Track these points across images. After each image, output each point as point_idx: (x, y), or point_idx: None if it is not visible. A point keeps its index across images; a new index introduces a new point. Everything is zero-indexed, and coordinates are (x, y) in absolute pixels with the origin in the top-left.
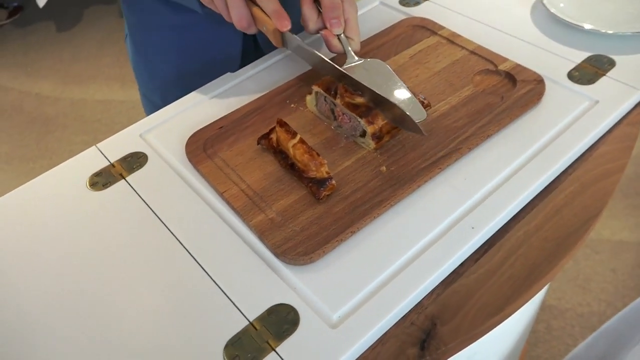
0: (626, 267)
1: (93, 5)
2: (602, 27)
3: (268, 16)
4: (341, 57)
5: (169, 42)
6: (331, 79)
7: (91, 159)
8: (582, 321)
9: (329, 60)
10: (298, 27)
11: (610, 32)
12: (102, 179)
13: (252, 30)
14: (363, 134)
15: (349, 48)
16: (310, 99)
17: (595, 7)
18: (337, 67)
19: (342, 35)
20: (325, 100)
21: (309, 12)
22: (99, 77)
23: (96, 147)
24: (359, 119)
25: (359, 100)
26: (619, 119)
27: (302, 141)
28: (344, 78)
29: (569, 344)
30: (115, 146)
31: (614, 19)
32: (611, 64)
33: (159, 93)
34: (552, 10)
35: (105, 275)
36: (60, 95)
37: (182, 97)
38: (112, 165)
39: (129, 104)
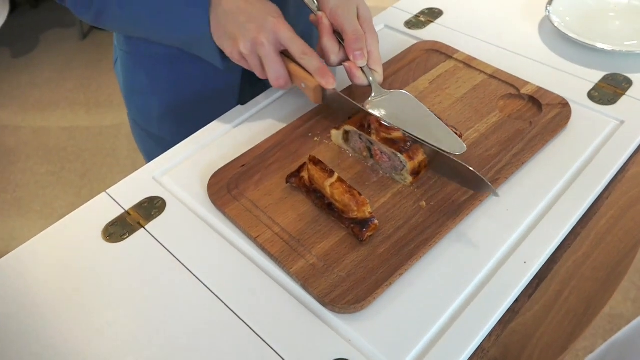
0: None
1: (50, 29)
2: (612, 45)
3: (308, 73)
4: (360, 87)
5: (165, 71)
6: (362, 115)
7: (103, 208)
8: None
9: (369, 111)
10: None
11: (623, 50)
12: (118, 229)
13: (287, 88)
14: (400, 167)
15: (372, 78)
16: (336, 134)
17: (602, 24)
18: (377, 115)
19: (365, 67)
20: (360, 138)
21: (330, 45)
22: (62, 103)
23: (106, 193)
24: (399, 155)
25: (396, 134)
26: None
27: (340, 180)
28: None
29: (579, 355)
30: (128, 192)
31: (623, 35)
32: (628, 82)
33: (155, 122)
34: (570, 34)
35: (139, 338)
36: (20, 124)
37: (181, 126)
38: (128, 213)
39: (96, 130)
